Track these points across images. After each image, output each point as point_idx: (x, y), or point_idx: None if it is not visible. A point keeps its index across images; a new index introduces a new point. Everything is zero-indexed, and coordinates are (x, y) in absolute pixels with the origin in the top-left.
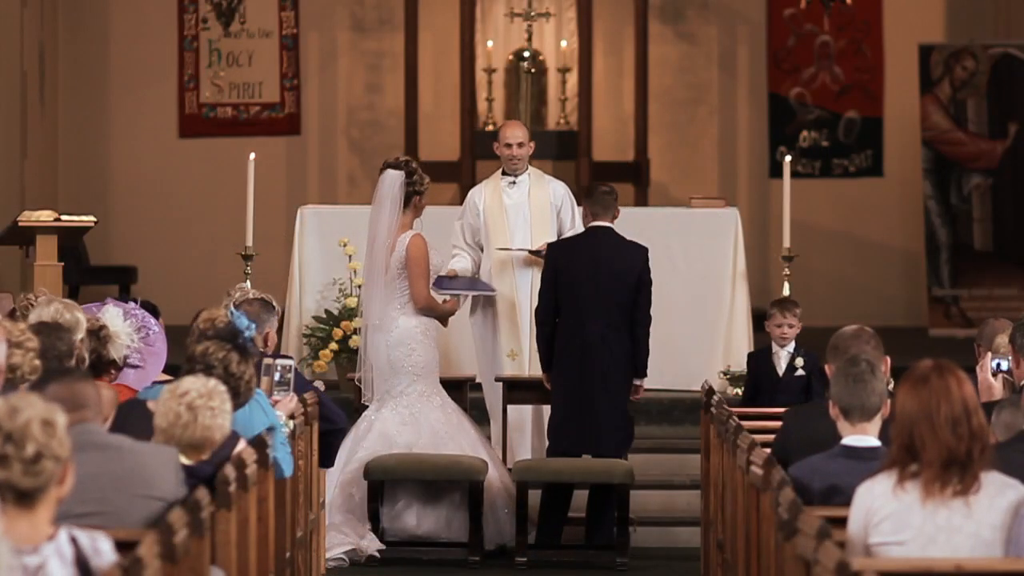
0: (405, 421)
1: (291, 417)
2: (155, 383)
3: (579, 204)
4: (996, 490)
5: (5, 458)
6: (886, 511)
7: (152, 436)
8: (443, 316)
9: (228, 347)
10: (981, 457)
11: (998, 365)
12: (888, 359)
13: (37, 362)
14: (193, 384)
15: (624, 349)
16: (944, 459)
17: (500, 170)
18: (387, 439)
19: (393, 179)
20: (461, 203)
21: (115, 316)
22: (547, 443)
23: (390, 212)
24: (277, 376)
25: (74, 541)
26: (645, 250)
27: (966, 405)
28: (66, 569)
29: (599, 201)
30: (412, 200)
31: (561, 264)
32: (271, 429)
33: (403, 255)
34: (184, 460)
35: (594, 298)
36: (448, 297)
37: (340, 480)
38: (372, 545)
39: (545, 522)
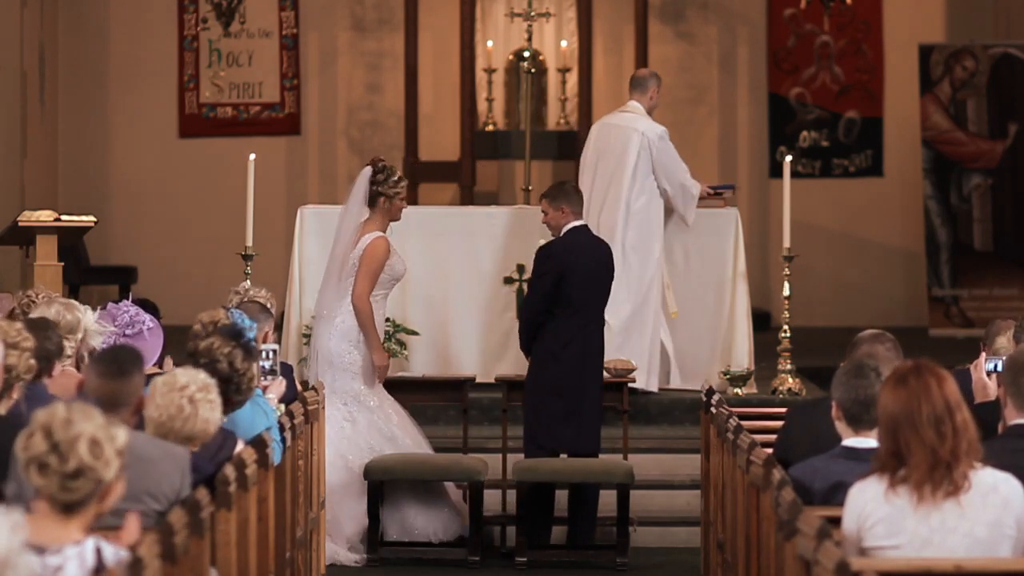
0: (346, 417)
1: (281, 400)
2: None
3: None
4: (989, 487)
5: (46, 467)
6: (879, 515)
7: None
8: (367, 330)
9: (233, 344)
10: (968, 453)
11: (995, 366)
12: None
13: (32, 362)
14: (190, 378)
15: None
16: (931, 461)
17: None
18: (331, 433)
19: (363, 175)
20: (461, 203)
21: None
22: (529, 443)
23: (353, 208)
24: (266, 363)
25: (99, 552)
26: (608, 244)
27: (948, 402)
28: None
29: (578, 201)
30: (378, 201)
31: (566, 265)
32: (270, 430)
33: (360, 253)
34: None
35: (594, 298)
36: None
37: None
38: (351, 556)
39: (531, 522)
